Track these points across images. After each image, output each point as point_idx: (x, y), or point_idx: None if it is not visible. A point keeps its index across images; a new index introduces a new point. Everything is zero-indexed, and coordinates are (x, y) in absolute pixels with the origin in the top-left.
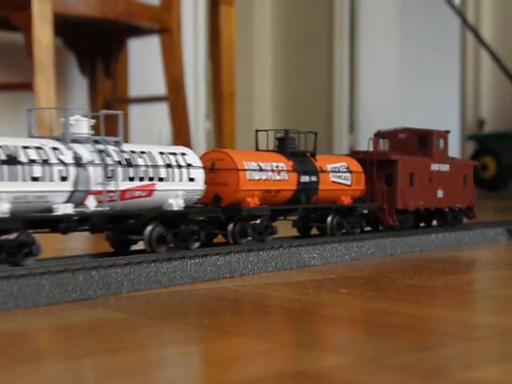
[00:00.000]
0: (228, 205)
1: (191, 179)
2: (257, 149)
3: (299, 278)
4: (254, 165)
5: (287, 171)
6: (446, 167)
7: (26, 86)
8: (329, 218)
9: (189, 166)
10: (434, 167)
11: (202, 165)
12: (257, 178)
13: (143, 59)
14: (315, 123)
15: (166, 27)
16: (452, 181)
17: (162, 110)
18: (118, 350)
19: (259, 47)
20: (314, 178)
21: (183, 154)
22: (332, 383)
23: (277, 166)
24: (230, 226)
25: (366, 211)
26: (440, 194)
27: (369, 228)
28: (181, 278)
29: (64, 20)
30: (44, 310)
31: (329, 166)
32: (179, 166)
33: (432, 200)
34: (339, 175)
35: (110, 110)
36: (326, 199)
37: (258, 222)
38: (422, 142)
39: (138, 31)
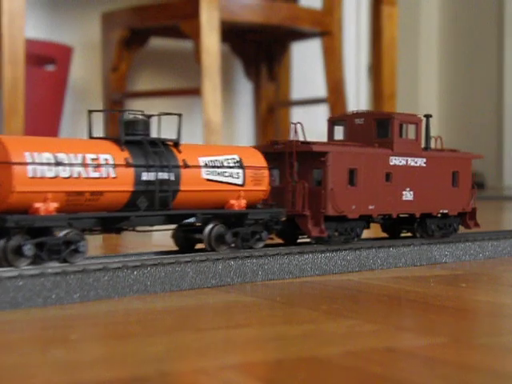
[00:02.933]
0: (2, 212)
1: None
2: (90, 136)
3: (425, 273)
4: (46, 157)
5: (115, 165)
6: (418, 161)
7: (195, 92)
8: (206, 229)
9: None
10: (397, 161)
11: None
12: (50, 174)
13: (305, 62)
14: (484, 127)
15: (327, 30)
16: (431, 179)
17: (322, 112)
18: (241, 326)
19: (425, 46)
20: (167, 175)
21: None
22: (416, 358)
23: (95, 159)
24: (1, 242)
25: (265, 219)
26: (408, 196)
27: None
28: (311, 269)
29: (230, 27)
30: (186, 293)
31: (201, 160)
32: None
33: (393, 204)
34: (221, 172)
35: (273, 112)
36: (197, 204)
37: (61, 235)
38: (382, 128)
39: (301, 35)
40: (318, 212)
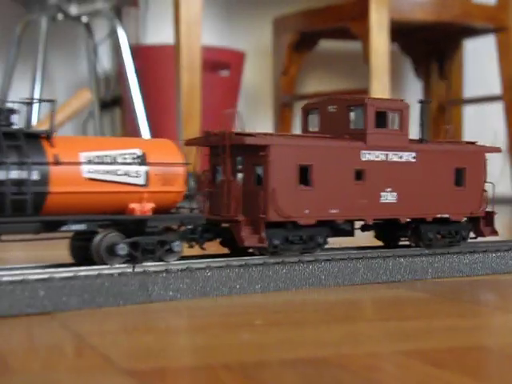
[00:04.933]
0: None
1: None
2: None
3: None
4: None
5: None
6: (405, 156)
7: (363, 92)
8: (96, 238)
9: None
10: (372, 156)
11: None
12: None
13: (478, 59)
14: None
15: (501, 26)
16: (423, 177)
17: (496, 110)
18: (411, 318)
19: None
20: (25, 174)
21: None
22: None
23: None
24: None
25: (179, 225)
26: (389, 197)
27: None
28: (481, 268)
29: (400, 26)
30: (358, 287)
31: (83, 155)
32: None
33: (366, 207)
34: (112, 170)
35: (444, 111)
36: (80, 208)
37: None
38: (355, 117)
39: (473, 32)
40: (257, 217)
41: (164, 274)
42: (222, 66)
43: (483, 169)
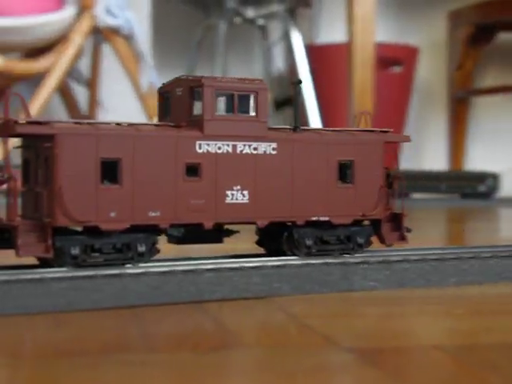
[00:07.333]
0: None
1: None
2: None
3: None
4: None
5: None
6: (261, 147)
7: None
8: None
9: None
10: (212, 148)
11: None
12: None
13: None
14: None
15: None
16: (288, 173)
17: None
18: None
19: None
20: None
21: None
22: None
23: None
24: None
25: None
26: (238, 197)
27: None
28: None
29: None
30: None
31: None
32: None
33: (204, 209)
34: None
35: None
36: None
37: None
38: (196, 100)
39: None
40: (43, 222)
41: (364, 266)
42: (394, 62)
43: (380, 161)
